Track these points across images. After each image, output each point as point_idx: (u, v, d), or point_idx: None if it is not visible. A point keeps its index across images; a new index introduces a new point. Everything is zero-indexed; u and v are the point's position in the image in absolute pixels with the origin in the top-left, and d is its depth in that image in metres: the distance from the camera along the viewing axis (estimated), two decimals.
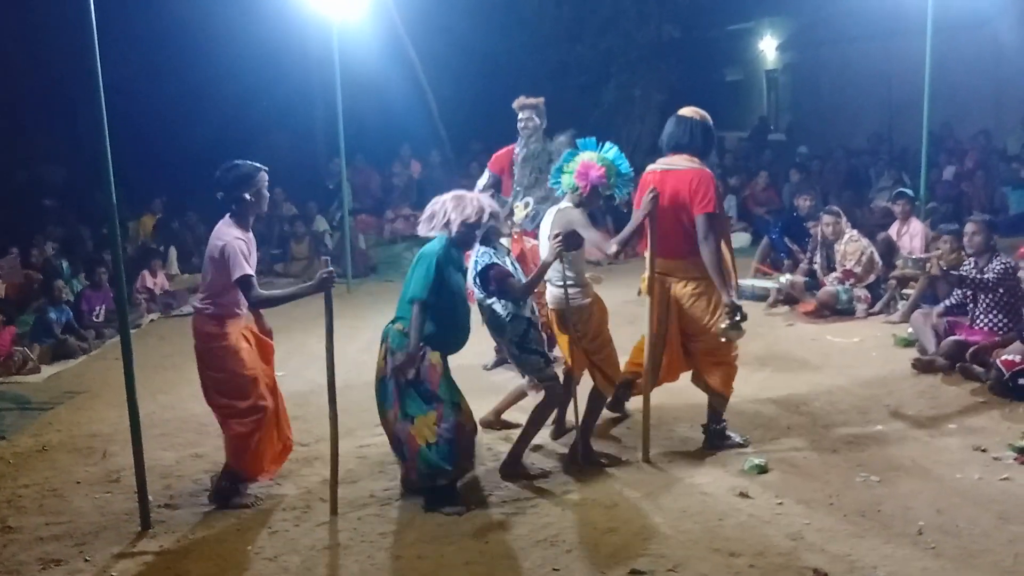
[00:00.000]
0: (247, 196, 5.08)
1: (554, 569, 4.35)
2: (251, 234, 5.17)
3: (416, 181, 15.88)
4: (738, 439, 5.82)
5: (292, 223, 13.81)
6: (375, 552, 4.62)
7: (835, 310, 9.22)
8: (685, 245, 5.44)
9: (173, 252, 12.64)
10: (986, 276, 6.99)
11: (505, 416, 6.15)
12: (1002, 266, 6.98)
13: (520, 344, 5.33)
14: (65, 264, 10.80)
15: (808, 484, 5.20)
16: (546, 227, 5.54)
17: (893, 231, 10.01)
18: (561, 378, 5.57)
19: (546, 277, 5.44)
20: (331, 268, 4.95)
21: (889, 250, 9.71)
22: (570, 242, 5.31)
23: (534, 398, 5.51)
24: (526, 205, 7.21)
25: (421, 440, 4.95)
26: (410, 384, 4.97)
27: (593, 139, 5.53)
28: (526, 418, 5.50)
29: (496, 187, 7.45)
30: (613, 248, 5.34)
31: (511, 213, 7.21)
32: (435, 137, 16.71)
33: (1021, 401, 6.28)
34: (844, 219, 9.63)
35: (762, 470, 5.37)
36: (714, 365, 5.66)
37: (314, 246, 13.31)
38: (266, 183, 5.19)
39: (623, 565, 4.35)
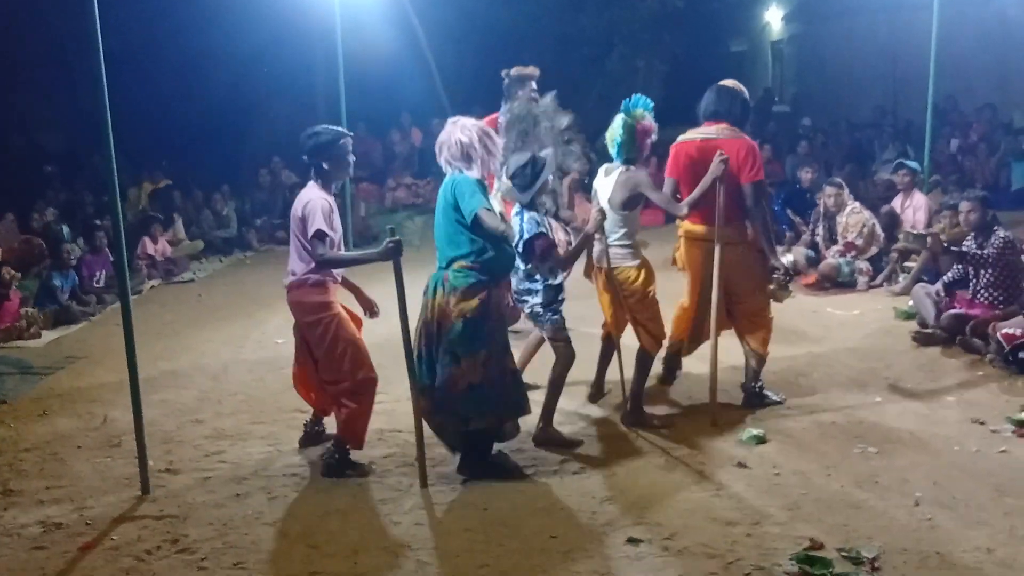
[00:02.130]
0: (325, 165, 5.07)
1: (551, 536, 4.37)
2: (334, 199, 5.13)
3: (418, 150, 15.82)
4: (775, 397, 6.00)
5: (293, 191, 13.78)
6: (374, 518, 4.64)
7: (836, 282, 9.22)
8: (730, 211, 5.56)
9: (178, 220, 12.62)
10: (986, 252, 6.98)
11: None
12: (1001, 241, 6.96)
13: (547, 305, 5.35)
14: (65, 229, 10.79)
15: (806, 455, 5.22)
16: (604, 188, 5.57)
17: (896, 204, 9.98)
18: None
19: (597, 237, 5.48)
20: (398, 237, 4.87)
21: (892, 223, 9.69)
22: (630, 204, 5.39)
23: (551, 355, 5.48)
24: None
25: (464, 383, 4.83)
26: (467, 323, 4.80)
27: (644, 97, 5.60)
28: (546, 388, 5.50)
29: None
30: (684, 210, 5.51)
31: (499, 179, 7.19)
32: (437, 106, 16.62)
33: (1020, 375, 6.29)
34: (846, 191, 9.61)
35: (760, 440, 5.39)
36: (754, 327, 5.87)
37: None
38: (348, 150, 5.14)
39: (620, 533, 4.37)
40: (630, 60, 17.80)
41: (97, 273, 10.01)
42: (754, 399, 5.97)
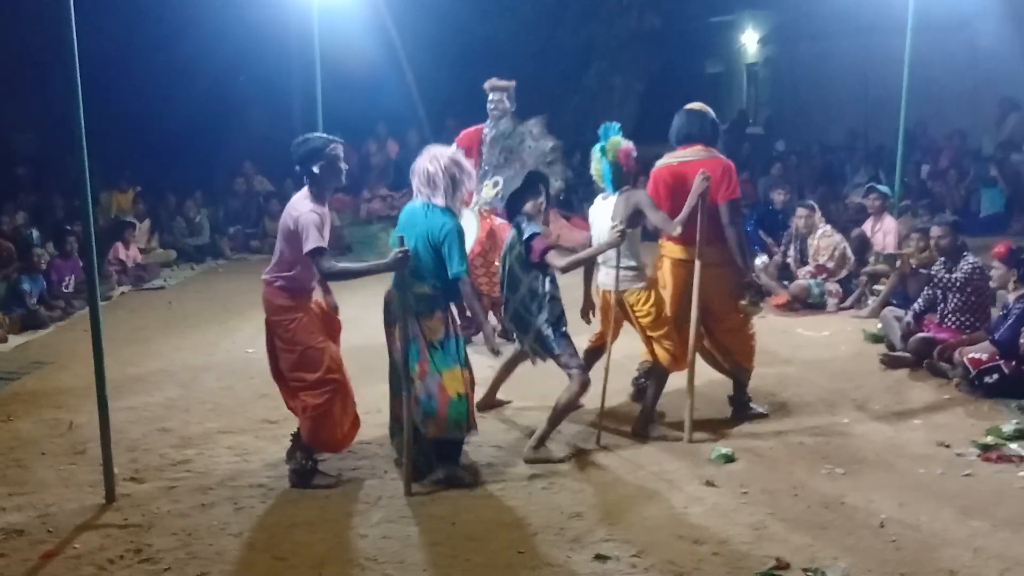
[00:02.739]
0: (316, 170, 5.03)
1: (519, 552, 4.37)
2: (327, 208, 5.13)
3: (393, 161, 15.79)
4: (761, 409, 6.16)
5: (267, 200, 13.74)
6: (341, 531, 4.62)
7: (806, 304, 9.28)
8: (710, 232, 5.63)
9: (146, 224, 12.51)
10: (954, 276, 7.06)
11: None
12: (970, 267, 7.05)
13: (555, 325, 5.39)
14: (35, 233, 10.68)
15: (773, 474, 5.24)
16: (604, 210, 5.64)
17: (867, 227, 10.08)
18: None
19: (600, 260, 5.60)
20: (406, 248, 4.93)
21: (862, 246, 9.77)
22: (631, 223, 5.48)
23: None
24: (495, 184, 7.28)
25: (452, 391, 4.99)
26: (441, 341, 5.03)
27: (612, 124, 5.71)
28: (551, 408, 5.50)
29: None
30: (678, 229, 5.55)
31: (479, 192, 7.27)
32: (414, 117, 16.62)
33: (986, 399, 6.35)
34: (818, 213, 9.69)
35: (728, 459, 5.42)
36: (739, 342, 5.99)
37: None
38: (339, 156, 5.12)
39: (588, 549, 4.37)
40: (607, 77, 17.91)
41: (66, 278, 9.90)
42: (741, 410, 6.11)
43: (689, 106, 5.96)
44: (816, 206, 9.84)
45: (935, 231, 7.37)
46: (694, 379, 5.79)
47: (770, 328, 8.47)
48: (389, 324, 5.21)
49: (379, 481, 5.17)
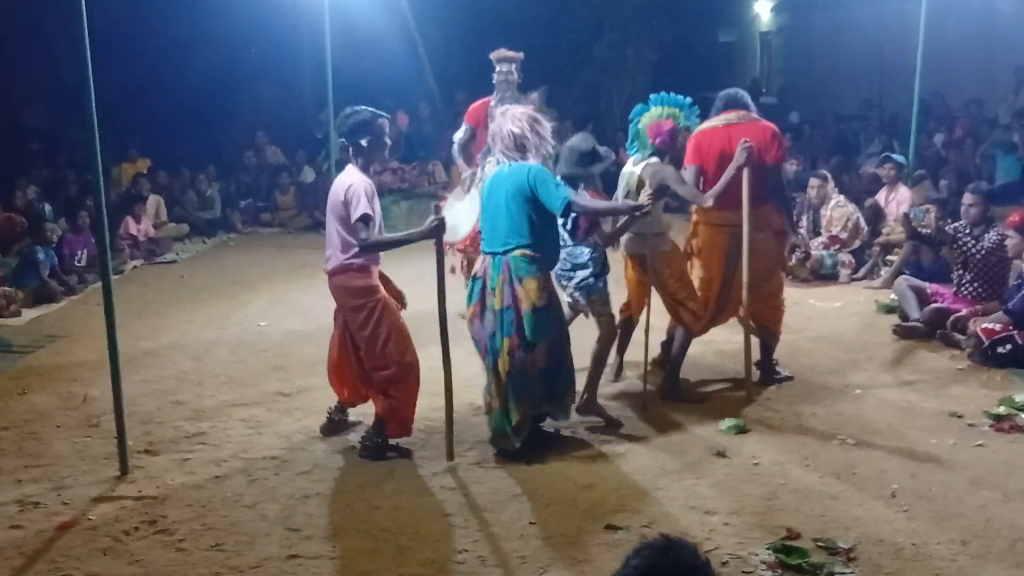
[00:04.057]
0: (363, 143, 5.03)
1: (531, 523, 4.38)
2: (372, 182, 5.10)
3: (404, 134, 15.75)
4: (786, 373, 6.32)
5: (277, 174, 13.74)
6: (354, 502, 4.64)
7: (819, 275, 9.24)
8: (754, 195, 5.70)
9: (159, 200, 12.49)
10: (981, 245, 7.02)
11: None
12: (998, 237, 7.00)
13: (598, 275, 5.46)
14: (48, 207, 10.70)
15: (785, 445, 5.24)
16: (632, 177, 5.74)
17: (881, 197, 10.01)
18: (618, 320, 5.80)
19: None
20: (442, 216, 4.97)
21: (876, 216, 9.72)
22: (659, 195, 5.55)
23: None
24: (498, 161, 7.19)
25: (534, 367, 5.00)
26: (538, 311, 4.92)
27: (675, 97, 5.83)
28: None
29: (473, 139, 7.44)
30: (709, 201, 5.68)
31: (482, 168, 7.20)
32: (425, 90, 16.54)
33: (999, 369, 6.33)
34: (831, 183, 9.63)
35: (740, 430, 5.42)
36: (771, 308, 6.17)
37: (300, 197, 13.26)
38: (385, 130, 5.13)
39: (599, 520, 4.39)
40: (619, 47, 17.74)
41: (78, 252, 9.94)
42: (768, 374, 6.24)
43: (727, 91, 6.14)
44: (829, 176, 9.78)
45: (967, 198, 7.30)
46: (750, 345, 5.99)
47: None
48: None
49: (390, 453, 5.18)
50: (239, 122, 15.67)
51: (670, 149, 5.75)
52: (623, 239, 5.82)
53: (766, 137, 5.77)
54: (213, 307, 8.78)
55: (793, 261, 5.96)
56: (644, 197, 5.45)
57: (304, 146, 15.03)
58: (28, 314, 8.57)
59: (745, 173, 5.58)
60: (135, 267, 10.77)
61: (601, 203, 5.63)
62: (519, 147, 5.00)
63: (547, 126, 5.11)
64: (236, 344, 7.46)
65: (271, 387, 6.35)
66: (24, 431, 5.64)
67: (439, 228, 4.90)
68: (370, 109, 5.13)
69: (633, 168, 5.81)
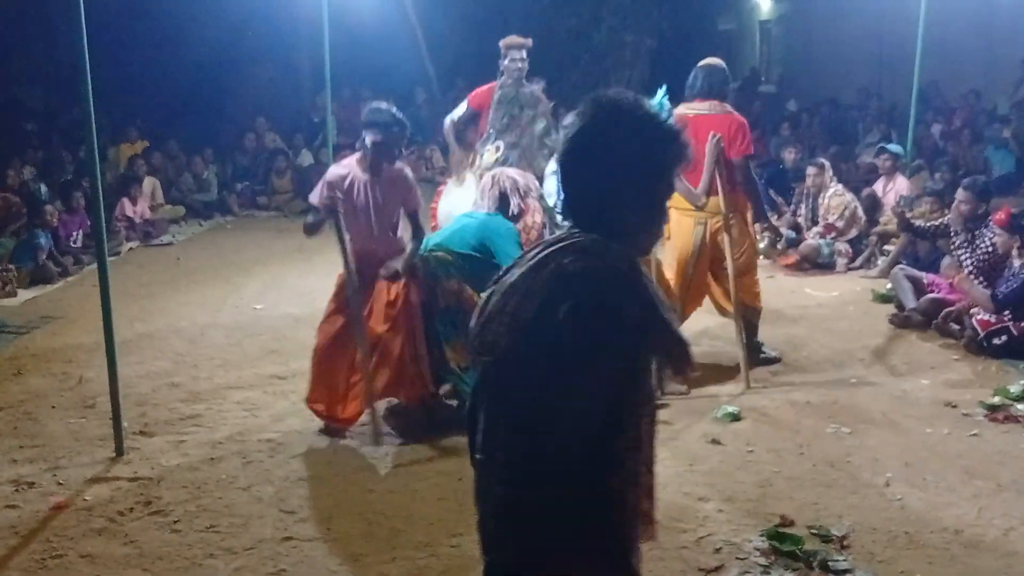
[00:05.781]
0: (367, 140, 5.16)
1: None
2: (365, 173, 5.24)
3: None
4: (773, 353, 6.38)
5: (274, 157, 13.69)
6: (348, 486, 4.65)
7: (816, 263, 9.25)
8: (722, 184, 5.80)
9: (156, 182, 12.44)
10: (977, 243, 7.00)
11: None
12: (991, 244, 6.99)
13: None
14: (43, 188, 10.66)
15: (779, 433, 5.25)
16: None
17: (878, 187, 10.01)
18: None
19: None
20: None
21: (873, 206, 9.72)
22: None
23: None
24: (497, 149, 7.15)
25: (455, 363, 5.21)
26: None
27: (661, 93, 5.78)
28: None
29: (472, 122, 7.39)
30: (703, 199, 5.80)
31: (481, 156, 7.18)
32: (423, 75, 16.49)
33: (994, 359, 6.35)
34: (828, 172, 9.61)
35: (734, 418, 5.43)
36: (744, 284, 6.15)
37: (296, 180, 13.22)
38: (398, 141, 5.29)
39: None
40: (618, 34, 17.67)
41: (74, 233, 9.91)
42: (754, 353, 6.21)
43: (706, 61, 6.08)
44: (827, 164, 9.77)
45: (960, 195, 7.29)
46: (742, 329, 5.99)
47: (779, 288, 8.46)
48: None
49: (386, 438, 5.18)
50: (236, 105, 15.62)
51: None
52: None
53: (731, 131, 5.83)
54: (209, 290, 8.76)
55: (765, 243, 6.03)
56: None
57: (301, 130, 14.99)
58: (24, 295, 8.55)
59: (715, 166, 5.73)
60: (131, 249, 10.74)
61: None
62: (502, 202, 5.30)
63: (534, 192, 5.52)
64: (232, 327, 7.45)
65: (267, 370, 6.34)
66: (19, 412, 5.63)
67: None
68: (392, 113, 5.18)
69: None
